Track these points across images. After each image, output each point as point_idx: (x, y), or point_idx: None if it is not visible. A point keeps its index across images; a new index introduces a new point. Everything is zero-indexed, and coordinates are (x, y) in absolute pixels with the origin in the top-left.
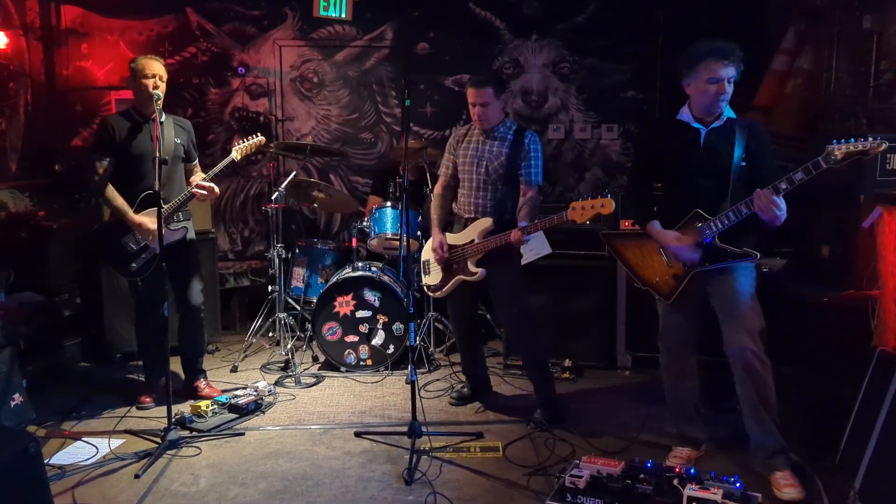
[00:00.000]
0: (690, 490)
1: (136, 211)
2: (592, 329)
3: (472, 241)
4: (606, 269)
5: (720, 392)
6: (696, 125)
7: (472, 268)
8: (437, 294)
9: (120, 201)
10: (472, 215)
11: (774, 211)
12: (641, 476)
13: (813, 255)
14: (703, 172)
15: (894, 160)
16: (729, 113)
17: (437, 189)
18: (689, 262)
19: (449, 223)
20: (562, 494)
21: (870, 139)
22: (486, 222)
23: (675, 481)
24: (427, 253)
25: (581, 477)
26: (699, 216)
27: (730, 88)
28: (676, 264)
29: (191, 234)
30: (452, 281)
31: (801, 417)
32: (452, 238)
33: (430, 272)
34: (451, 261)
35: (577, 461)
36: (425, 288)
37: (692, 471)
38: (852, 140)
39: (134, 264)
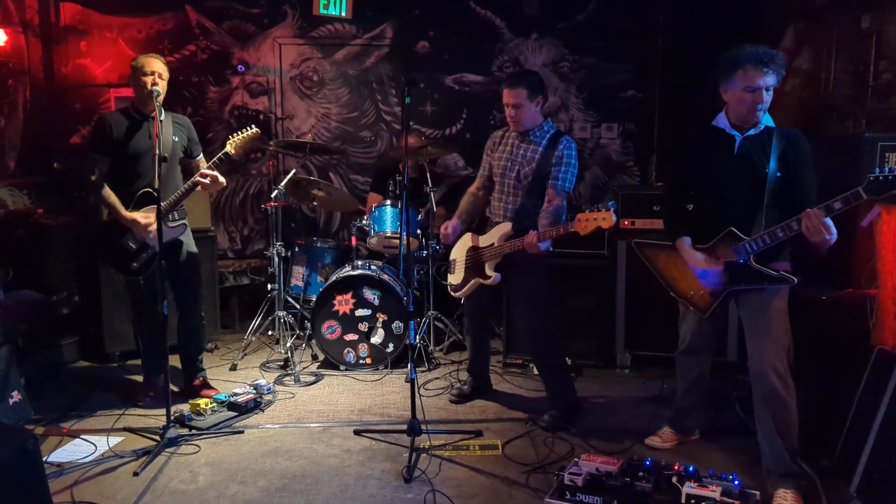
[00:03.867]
0: (689, 488)
1: (134, 209)
2: (592, 328)
3: (493, 244)
4: (606, 269)
5: (721, 391)
6: (731, 132)
7: (488, 271)
8: (458, 294)
9: (114, 199)
10: (501, 220)
11: (823, 234)
12: (640, 474)
13: (812, 254)
14: (737, 181)
15: (892, 159)
16: (767, 121)
17: (471, 188)
18: (712, 289)
19: (482, 224)
20: (561, 492)
21: None
22: (506, 227)
23: (674, 479)
24: (454, 252)
25: (580, 475)
26: (733, 235)
27: (768, 97)
28: None
29: (190, 244)
30: (470, 283)
31: (800, 415)
32: (480, 240)
33: (454, 271)
34: (472, 263)
35: (577, 459)
36: (448, 287)
37: (691, 468)
38: (895, 169)
39: (135, 263)
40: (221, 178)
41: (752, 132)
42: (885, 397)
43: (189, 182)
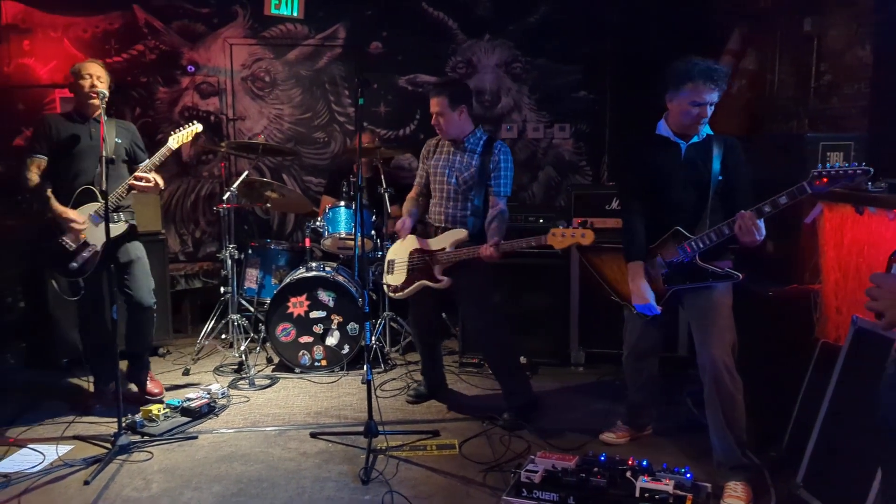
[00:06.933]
0: (643, 482)
1: (73, 208)
2: (547, 326)
3: (444, 248)
4: (560, 267)
5: (673, 386)
6: (676, 140)
7: (438, 275)
8: (397, 295)
9: (48, 194)
10: (443, 225)
11: (754, 234)
12: (595, 469)
13: (759, 251)
14: (684, 187)
15: (834, 157)
16: (707, 129)
17: (410, 195)
18: (646, 314)
19: (417, 229)
20: (518, 490)
21: (854, 165)
22: (460, 233)
23: (629, 473)
24: (393, 252)
25: (536, 472)
26: (680, 234)
27: (710, 111)
28: (657, 280)
29: (135, 243)
30: (415, 285)
31: (747, 409)
32: (429, 244)
33: (393, 271)
34: (418, 265)
35: (533, 456)
36: (385, 286)
37: (644, 463)
38: (837, 165)
39: (74, 263)
40: (160, 180)
41: (695, 140)
42: (828, 390)
43: (124, 184)
